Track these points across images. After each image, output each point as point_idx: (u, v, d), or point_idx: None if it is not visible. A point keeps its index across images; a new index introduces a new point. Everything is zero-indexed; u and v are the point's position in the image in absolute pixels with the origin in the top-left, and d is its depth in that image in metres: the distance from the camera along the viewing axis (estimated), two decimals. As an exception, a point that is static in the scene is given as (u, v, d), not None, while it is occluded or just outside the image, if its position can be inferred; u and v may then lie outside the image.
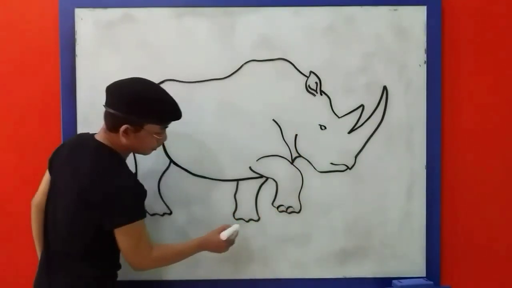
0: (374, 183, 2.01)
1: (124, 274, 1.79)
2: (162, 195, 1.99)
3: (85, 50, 1.96)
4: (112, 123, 1.64)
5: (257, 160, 1.99)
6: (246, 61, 1.98)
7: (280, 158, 2.00)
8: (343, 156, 2.00)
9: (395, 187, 2.02)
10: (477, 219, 2.08)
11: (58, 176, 1.70)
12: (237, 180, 2.00)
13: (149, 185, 1.90)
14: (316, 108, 1.99)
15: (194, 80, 1.98)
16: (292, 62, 1.98)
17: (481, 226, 2.08)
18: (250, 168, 2.00)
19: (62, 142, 1.82)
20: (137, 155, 1.94)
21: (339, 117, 2.00)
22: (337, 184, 2.01)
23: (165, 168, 1.99)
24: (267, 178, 2.00)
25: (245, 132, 1.99)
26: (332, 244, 2.02)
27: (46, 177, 1.78)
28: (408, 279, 1.99)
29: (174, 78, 1.97)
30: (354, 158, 2.01)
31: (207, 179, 2.00)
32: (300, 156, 2.00)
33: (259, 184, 2.00)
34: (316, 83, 1.98)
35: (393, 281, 1.98)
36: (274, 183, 2.01)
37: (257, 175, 2.00)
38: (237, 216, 2.00)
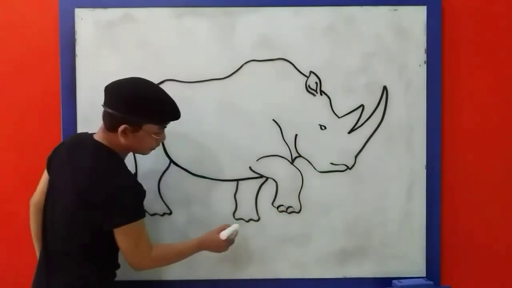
0: (374, 183, 2.01)
1: (124, 274, 1.80)
2: (162, 195, 1.99)
3: (85, 50, 1.96)
4: (110, 123, 1.64)
5: (257, 160, 1.99)
6: (246, 61, 1.98)
7: (280, 158, 2.00)
8: (343, 156, 2.00)
9: (395, 187, 2.02)
10: (477, 219, 2.08)
11: (57, 176, 1.70)
12: (237, 180, 2.00)
13: (149, 185, 1.90)
14: (316, 108, 1.99)
15: (194, 80, 1.98)
16: (292, 62, 1.98)
17: (481, 226, 2.08)
18: (250, 168, 2.00)
19: (60, 142, 1.82)
20: (137, 155, 1.94)
21: (339, 117, 2.00)
22: (337, 184, 2.01)
23: (165, 168, 1.99)
24: (267, 178, 2.00)
25: (245, 132, 1.99)
26: (332, 244, 2.02)
27: (45, 176, 1.78)
28: (408, 279, 1.99)
29: (174, 78, 1.97)
30: (354, 158, 2.01)
31: (207, 179, 2.00)
32: (300, 156, 2.00)
33: (259, 184, 2.00)
34: (316, 83, 1.98)
35: (393, 281, 1.98)
36: (274, 183, 2.01)
37: (257, 175, 2.00)
38: (237, 216, 2.00)
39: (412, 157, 2.02)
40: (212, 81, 1.98)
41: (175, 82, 1.97)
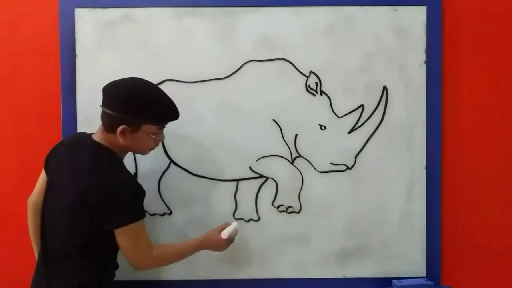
0: (374, 183, 2.01)
1: (124, 274, 1.80)
2: (162, 195, 1.99)
3: (85, 50, 1.96)
4: (109, 123, 1.64)
5: (257, 160, 1.99)
6: (246, 61, 1.98)
7: (280, 158, 2.00)
8: (343, 156, 2.00)
9: (395, 187, 2.02)
10: (477, 219, 2.08)
11: (56, 176, 1.70)
12: (237, 180, 2.00)
13: (149, 185, 1.90)
14: (316, 108, 1.99)
15: (194, 80, 1.98)
16: (292, 62, 1.98)
17: (481, 226, 2.08)
18: (250, 168, 2.00)
19: (59, 141, 1.81)
20: (136, 155, 1.94)
21: (339, 117, 2.00)
22: (337, 184, 2.01)
23: (165, 168, 1.99)
24: (267, 178, 2.00)
25: (245, 132, 1.99)
26: (332, 244, 2.02)
27: (42, 176, 1.78)
28: (408, 279, 1.99)
29: (174, 78, 1.97)
30: (354, 158, 2.01)
31: (207, 179, 2.00)
32: (300, 156, 2.00)
33: (259, 184, 2.00)
34: (316, 83, 1.98)
35: (393, 281, 1.98)
36: (274, 183, 2.01)
37: (257, 175, 2.00)
38: (237, 216, 2.00)
39: (412, 157, 2.02)
40: (212, 81, 1.98)
41: (175, 82, 1.97)
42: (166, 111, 1.69)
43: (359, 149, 2.01)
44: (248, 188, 2.00)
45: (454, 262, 2.07)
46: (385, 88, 2.00)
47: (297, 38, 1.98)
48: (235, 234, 1.82)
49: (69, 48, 1.96)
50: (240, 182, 2.00)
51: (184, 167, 1.99)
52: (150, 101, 1.64)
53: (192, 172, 1.99)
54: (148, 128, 1.65)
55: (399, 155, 2.02)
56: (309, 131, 1.99)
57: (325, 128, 1.99)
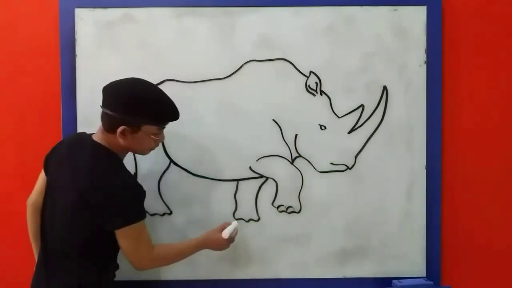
0: (374, 183, 2.01)
1: (124, 274, 1.80)
2: (162, 195, 1.99)
3: (85, 50, 1.96)
4: (109, 124, 1.64)
5: (257, 160, 1.99)
6: (246, 61, 1.98)
7: (280, 158, 2.00)
8: (343, 156, 2.00)
9: (395, 187, 2.02)
10: (477, 219, 2.08)
11: (56, 176, 1.69)
12: (237, 180, 2.00)
13: (149, 185, 1.90)
14: (316, 108, 1.99)
15: (194, 80, 1.98)
16: (292, 62, 1.98)
17: (481, 226, 2.08)
18: (250, 168, 2.00)
19: (58, 141, 1.81)
20: (136, 155, 1.94)
21: (339, 117, 2.00)
22: (337, 184, 2.01)
23: (165, 168, 1.99)
24: (267, 178, 2.00)
25: (245, 132, 1.99)
26: (332, 244, 2.02)
27: (42, 176, 1.78)
28: (408, 279, 1.99)
29: (174, 78, 1.97)
30: (354, 158, 2.01)
31: (207, 179, 2.00)
32: (300, 156, 2.00)
33: (259, 184, 2.00)
34: (316, 83, 1.98)
35: (393, 281, 1.98)
36: (274, 183, 2.01)
37: (257, 175, 2.00)
38: (237, 216, 2.00)
39: (412, 157, 2.02)
40: (212, 81, 1.98)
41: (175, 82, 1.97)
42: (166, 111, 1.69)
43: (359, 149, 2.01)
44: (248, 188, 2.00)
45: (454, 262, 2.07)
46: (385, 88, 2.00)
47: (297, 38, 1.98)
48: (236, 234, 1.82)
49: (69, 48, 1.96)
50: (240, 182, 2.00)
51: (184, 167, 1.99)
52: (150, 102, 1.64)
53: (192, 172, 1.99)
54: (148, 128, 1.65)
55: (399, 155, 2.01)
56: (309, 131, 1.99)
57: (325, 128, 1.99)
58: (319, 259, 2.02)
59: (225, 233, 1.79)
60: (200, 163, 1.99)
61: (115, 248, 1.68)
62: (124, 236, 1.62)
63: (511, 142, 2.08)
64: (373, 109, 2.00)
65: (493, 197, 2.08)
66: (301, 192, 2.01)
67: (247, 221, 2.00)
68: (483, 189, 2.07)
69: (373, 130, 2.00)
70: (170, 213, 2.00)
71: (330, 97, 1.99)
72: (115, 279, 1.77)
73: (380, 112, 2.01)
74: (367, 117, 2.00)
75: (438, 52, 2.00)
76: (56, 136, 1.95)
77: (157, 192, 1.99)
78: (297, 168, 2.00)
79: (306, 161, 2.00)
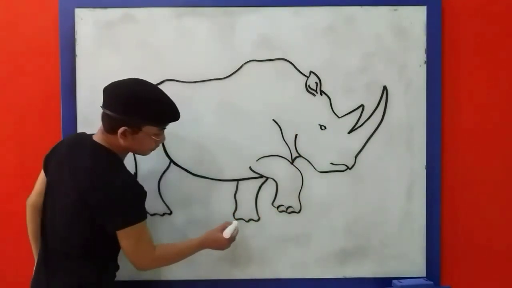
0: (374, 183, 2.01)
1: (124, 274, 1.80)
2: (162, 195, 1.99)
3: (85, 50, 1.96)
4: (109, 125, 1.64)
5: (257, 160, 1.99)
6: (246, 61, 1.98)
7: (280, 158, 2.00)
8: (343, 156, 2.00)
9: (395, 187, 2.02)
10: (477, 219, 2.08)
11: (56, 176, 1.69)
12: (237, 180, 2.00)
13: (149, 185, 1.90)
14: (316, 108, 1.99)
15: (194, 80, 1.98)
16: (292, 62, 1.98)
17: (481, 226, 2.08)
18: (250, 168, 2.00)
19: (58, 141, 1.81)
20: (137, 155, 1.93)
21: (339, 117, 2.00)
22: (337, 184, 2.01)
23: (165, 168, 1.99)
24: (267, 178, 2.00)
25: (245, 132, 1.99)
26: (332, 244, 2.02)
27: (42, 176, 1.77)
28: (408, 279, 1.99)
29: (174, 78, 1.97)
30: (354, 158, 2.01)
31: (207, 179, 2.00)
32: (300, 156, 2.00)
33: (259, 184, 2.00)
34: (316, 83, 1.98)
35: (393, 281, 1.98)
36: (274, 183, 2.01)
37: (257, 175, 2.00)
38: (237, 216, 2.00)
39: (412, 157, 2.02)
40: (212, 81, 1.98)
41: (175, 82, 1.97)
42: (167, 112, 1.68)
43: (359, 149, 2.01)
44: (248, 188, 2.00)
45: (454, 262, 2.07)
46: (385, 88, 2.00)
47: (297, 38, 1.98)
48: (237, 233, 1.82)
49: (69, 48, 1.96)
50: (240, 182, 2.00)
51: (184, 167, 1.99)
52: (150, 103, 1.64)
53: (192, 172, 1.99)
54: (149, 129, 1.65)
55: (399, 155, 2.01)
56: (309, 131, 1.99)
57: (325, 128, 1.99)
58: (319, 259, 2.02)
59: (226, 233, 1.79)
60: (200, 163, 1.99)
61: (115, 248, 1.68)
62: (125, 236, 1.62)
63: (511, 142, 2.08)
64: (373, 109, 2.00)
65: (493, 197, 2.08)
66: (301, 192, 2.01)
67: (247, 221, 2.00)
68: (483, 189, 2.07)
69: (373, 130, 2.00)
70: (170, 213, 2.00)
71: (330, 97, 1.99)
72: (116, 279, 1.76)
73: (380, 112, 2.01)
74: (367, 117, 2.00)
75: (438, 52, 2.00)
76: (56, 136, 1.95)
77: (157, 192, 1.99)
78: (297, 168, 2.00)
79: (306, 161, 2.00)
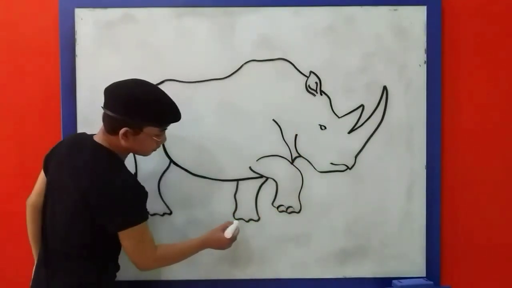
0: (374, 183, 2.01)
1: (124, 274, 1.80)
2: (162, 195, 1.99)
3: (85, 50, 1.96)
4: (111, 125, 1.64)
5: (257, 160, 1.99)
6: (246, 61, 1.98)
7: (280, 158, 2.00)
8: (343, 156, 2.00)
9: (395, 187, 2.02)
10: (477, 219, 2.08)
11: (56, 176, 1.69)
12: (237, 180, 2.00)
13: (149, 185, 1.89)
14: (316, 108, 1.99)
15: (194, 80, 1.98)
16: (292, 62, 1.98)
17: (481, 226, 2.08)
18: (250, 168, 2.00)
19: (58, 142, 1.81)
20: (137, 155, 1.93)
21: (339, 117, 2.00)
22: (337, 184, 2.01)
23: (165, 168, 1.99)
24: (267, 178, 2.00)
25: (245, 132, 1.99)
26: (332, 244, 2.02)
27: (42, 176, 1.77)
28: (408, 279, 1.99)
29: (174, 78, 1.97)
30: (354, 158, 2.01)
31: (207, 179, 2.00)
32: (300, 156, 2.00)
33: (259, 184, 2.00)
34: (316, 83, 1.98)
35: (393, 281, 1.98)
36: (274, 183, 2.01)
37: (257, 175, 2.00)
38: (237, 216, 2.00)
39: (412, 157, 2.02)
40: (212, 81, 1.98)
41: (175, 82, 1.97)
42: (168, 113, 1.68)
43: (359, 149, 2.01)
44: (248, 188, 2.00)
45: (454, 262, 2.07)
46: (385, 88, 2.00)
47: (297, 38, 1.98)
48: (238, 233, 1.82)
49: (69, 48, 1.96)
50: (240, 182, 2.00)
51: (184, 167, 1.99)
52: (152, 103, 1.64)
53: (192, 172, 1.99)
54: (150, 130, 1.65)
55: (399, 155, 2.01)
56: (309, 131, 1.99)
57: (325, 128, 1.99)
58: (319, 259, 2.02)
59: (228, 232, 1.79)
60: (200, 163, 1.99)
61: (116, 248, 1.68)
62: (127, 237, 1.62)
63: (511, 142, 2.08)
64: (373, 109, 2.00)
65: (493, 197, 2.08)
66: (301, 192, 2.01)
67: (247, 221, 2.00)
68: (483, 189, 2.07)
69: (373, 130, 2.00)
70: (170, 213, 2.00)
71: (330, 97, 1.99)
72: (116, 279, 1.76)
73: (380, 112, 2.01)
74: (367, 117, 2.00)
75: (438, 52, 2.00)
76: (56, 136, 1.95)
77: (157, 192, 1.99)
78: (297, 168, 2.00)
79: (306, 161, 2.00)
